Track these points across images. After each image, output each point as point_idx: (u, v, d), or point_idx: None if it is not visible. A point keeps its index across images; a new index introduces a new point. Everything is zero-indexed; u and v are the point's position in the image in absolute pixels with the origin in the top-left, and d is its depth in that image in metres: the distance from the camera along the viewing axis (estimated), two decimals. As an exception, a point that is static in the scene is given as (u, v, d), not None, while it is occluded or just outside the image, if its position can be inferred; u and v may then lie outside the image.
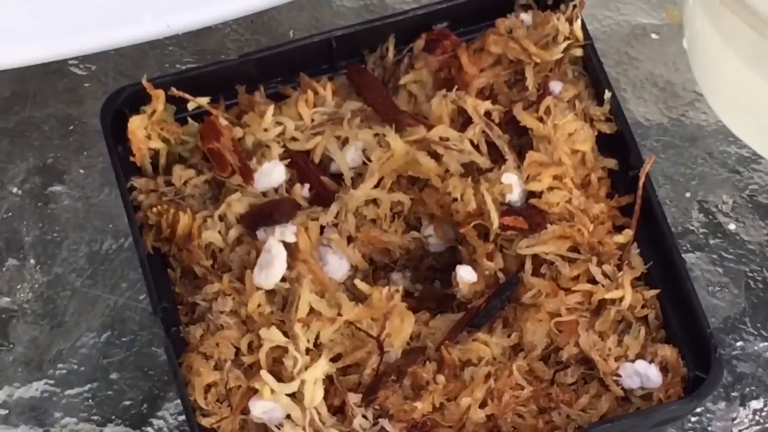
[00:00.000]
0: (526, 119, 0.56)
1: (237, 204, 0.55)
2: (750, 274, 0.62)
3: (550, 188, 0.55)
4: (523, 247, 0.54)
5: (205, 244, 0.55)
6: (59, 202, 0.63)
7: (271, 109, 0.57)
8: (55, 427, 0.59)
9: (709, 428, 0.59)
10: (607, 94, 0.57)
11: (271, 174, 0.55)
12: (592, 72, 0.58)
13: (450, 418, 0.52)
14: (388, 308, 0.52)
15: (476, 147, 0.56)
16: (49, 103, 0.65)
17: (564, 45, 0.57)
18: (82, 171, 0.64)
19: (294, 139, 0.56)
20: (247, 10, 0.60)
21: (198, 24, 0.60)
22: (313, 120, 0.57)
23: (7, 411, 0.60)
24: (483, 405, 0.52)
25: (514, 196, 0.54)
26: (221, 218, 0.55)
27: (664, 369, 0.53)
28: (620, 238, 0.55)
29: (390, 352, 0.52)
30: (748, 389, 0.60)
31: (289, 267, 0.53)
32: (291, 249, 0.53)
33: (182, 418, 0.59)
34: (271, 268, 0.53)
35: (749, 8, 0.53)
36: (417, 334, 0.53)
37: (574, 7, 0.58)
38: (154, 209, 0.55)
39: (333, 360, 0.52)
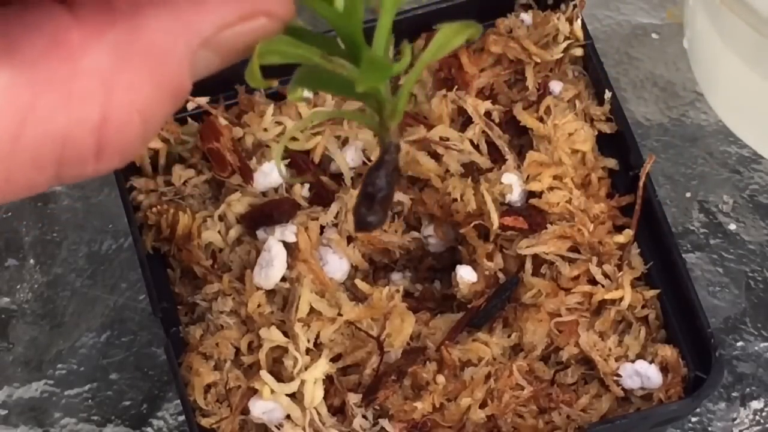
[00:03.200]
0: (526, 119, 0.56)
1: (237, 204, 0.55)
2: (750, 275, 0.62)
3: (550, 188, 0.55)
4: (523, 247, 0.54)
5: (205, 244, 0.55)
6: (59, 202, 0.63)
7: (271, 109, 0.57)
8: (54, 427, 0.59)
9: (710, 428, 0.59)
10: (608, 94, 0.57)
11: (271, 174, 0.55)
12: (592, 72, 0.58)
13: (450, 419, 0.52)
14: (388, 308, 0.52)
15: (476, 147, 0.56)
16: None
17: (564, 45, 0.57)
18: (81, 171, 0.64)
19: (294, 138, 0.56)
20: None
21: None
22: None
23: (6, 411, 0.60)
24: (483, 405, 0.52)
25: (514, 196, 0.54)
26: (221, 218, 0.55)
27: (664, 369, 0.53)
28: (620, 238, 0.55)
29: (390, 352, 0.52)
30: (748, 389, 0.60)
31: (289, 267, 0.53)
32: (291, 249, 0.53)
33: (182, 418, 0.59)
34: (271, 268, 0.53)
35: (749, 8, 0.53)
36: (417, 334, 0.53)
37: (575, 6, 0.58)
38: (154, 209, 0.55)
39: (333, 360, 0.52)
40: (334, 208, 0.55)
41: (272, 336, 0.52)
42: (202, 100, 0.56)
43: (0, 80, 0.25)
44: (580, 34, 0.58)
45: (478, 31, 0.37)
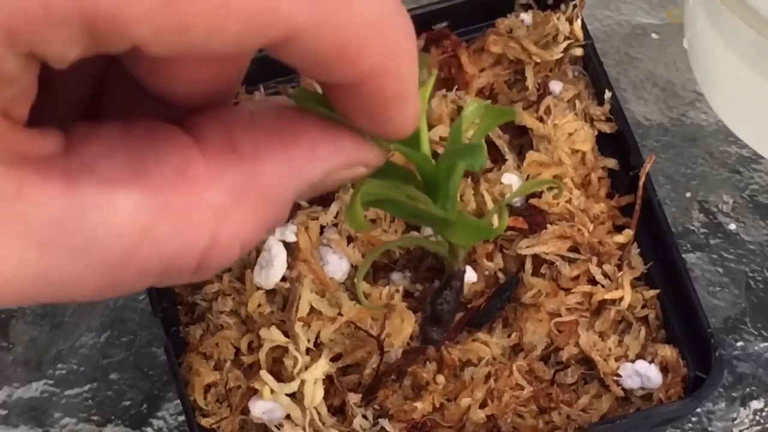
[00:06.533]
0: (526, 119, 0.56)
1: (237, 204, 0.55)
2: (750, 275, 0.62)
3: (550, 188, 0.55)
4: (523, 247, 0.54)
5: (205, 244, 0.54)
6: (59, 202, 0.63)
7: (271, 109, 0.56)
8: (54, 427, 0.59)
9: (710, 428, 0.59)
10: (607, 94, 0.57)
11: (271, 174, 0.55)
12: (592, 72, 0.58)
13: (450, 418, 0.52)
14: (388, 308, 0.52)
15: (476, 147, 0.56)
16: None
17: (564, 45, 0.57)
18: (81, 171, 0.64)
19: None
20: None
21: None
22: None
23: (6, 411, 0.60)
24: (483, 405, 0.52)
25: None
26: (221, 218, 0.55)
27: (664, 369, 0.53)
28: (620, 238, 0.55)
29: (390, 352, 0.52)
30: (748, 389, 0.60)
31: (290, 266, 0.53)
32: (291, 248, 0.53)
33: (182, 418, 0.59)
34: (271, 268, 0.53)
35: (750, 8, 0.53)
36: (417, 334, 0.53)
37: (575, 6, 0.58)
38: (154, 209, 0.55)
39: (333, 360, 0.52)
40: (334, 208, 0.55)
41: (272, 336, 0.52)
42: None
43: (129, 202, 0.27)
44: (580, 34, 0.58)
45: (514, 114, 0.45)
